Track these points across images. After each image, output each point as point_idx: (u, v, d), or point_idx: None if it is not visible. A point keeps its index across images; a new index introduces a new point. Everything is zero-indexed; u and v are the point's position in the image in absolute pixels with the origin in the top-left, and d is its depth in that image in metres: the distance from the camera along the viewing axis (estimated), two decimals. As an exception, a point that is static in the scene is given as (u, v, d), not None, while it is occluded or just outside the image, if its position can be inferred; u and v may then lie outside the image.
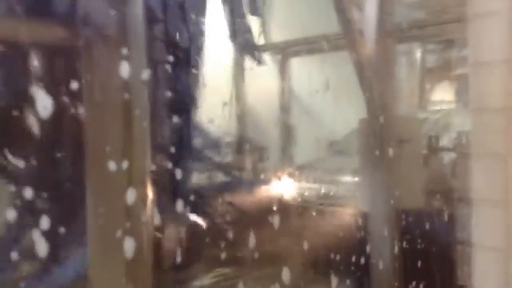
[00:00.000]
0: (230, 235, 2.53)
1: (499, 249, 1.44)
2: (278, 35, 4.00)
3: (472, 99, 1.54)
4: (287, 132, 4.07)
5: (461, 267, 2.22)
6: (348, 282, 2.49)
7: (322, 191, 3.25)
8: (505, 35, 1.44)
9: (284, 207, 3.11)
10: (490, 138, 1.46)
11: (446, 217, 2.54)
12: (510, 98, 1.48)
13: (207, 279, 2.67)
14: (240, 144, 3.97)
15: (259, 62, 3.73)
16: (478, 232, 1.56)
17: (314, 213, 3.04)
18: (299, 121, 4.05)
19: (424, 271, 2.40)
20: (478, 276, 1.55)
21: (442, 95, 3.62)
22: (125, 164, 1.19)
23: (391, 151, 2.71)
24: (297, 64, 3.99)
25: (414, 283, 2.43)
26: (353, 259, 2.56)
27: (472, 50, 1.54)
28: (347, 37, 2.90)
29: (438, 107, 3.51)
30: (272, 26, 4.00)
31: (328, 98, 3.71)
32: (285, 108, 4.07)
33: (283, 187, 3.38)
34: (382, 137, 2.69)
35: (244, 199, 3.04)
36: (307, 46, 3.77)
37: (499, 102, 1.47)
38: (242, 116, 4.06)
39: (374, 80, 2.76)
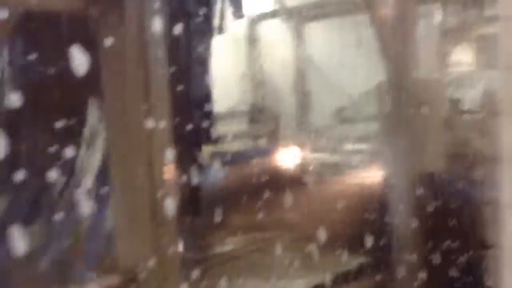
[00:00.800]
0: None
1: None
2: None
3: (502, 57, 1.51)
4: (304, 100, 4.04)
5: (489, 227, 2.21)
6: (376, 242, 2.50)
7: (339, 158, 3.25)
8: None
9: (304, 173, 3.12)
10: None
11: (472, 179, 2.53)
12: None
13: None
14: (254, 113, 3.96)
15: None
16: (507, 191, 1.55)
17: (336, 179, 3.04)
18: (316, 88, 4.01)
19: (452, 232, 2.40)
20: (507, 235, 1.55)
21: (462, 56, 3.56)
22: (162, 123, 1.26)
23: (412, 114, 2.68)
24: (312, 29, 3.93)
25: (441, 244, 2.44)
26: (379, 220, 2.58)
27: (502, 6, 1.50)
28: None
29: (458, 69, 3.46)
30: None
31: (346, 62, 3.66)
32: (300, 75, 4.03)
33: (300, 154, 3.38)
34: (403, 100, 2.66)
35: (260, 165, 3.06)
36: (322, 9, 3.71)
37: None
38: (257, 85, 4.04)
39: (394, 41, 2.72)
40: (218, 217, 2.14)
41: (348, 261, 2.55)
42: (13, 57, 1.67)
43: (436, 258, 2.50)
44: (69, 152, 1.63)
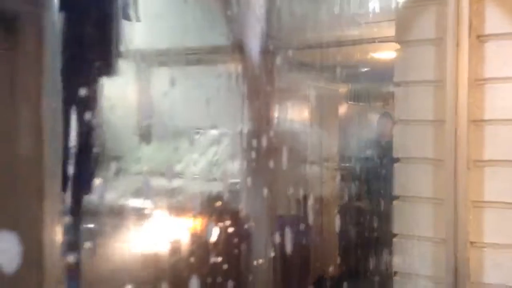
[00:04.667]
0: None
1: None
2: (143, 42, 3.96)
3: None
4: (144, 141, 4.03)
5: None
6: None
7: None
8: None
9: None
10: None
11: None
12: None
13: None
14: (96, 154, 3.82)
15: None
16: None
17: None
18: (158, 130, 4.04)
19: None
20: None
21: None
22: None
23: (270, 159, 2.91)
24: (160, 74, 3.99)
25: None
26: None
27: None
28: (226, 50, 3.04)
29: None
30: (137, 32, 3.95)
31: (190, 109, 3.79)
32: (141, 118, 4.03)
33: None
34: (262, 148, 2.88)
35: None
36: (173, 56, 3.81)
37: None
38: (100, 126, 3.91)
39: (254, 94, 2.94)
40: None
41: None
42: None
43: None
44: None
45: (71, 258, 1.24)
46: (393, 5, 1.87)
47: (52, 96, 1.10)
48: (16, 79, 1.07)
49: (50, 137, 1.15)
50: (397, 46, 1.88)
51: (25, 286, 0.95)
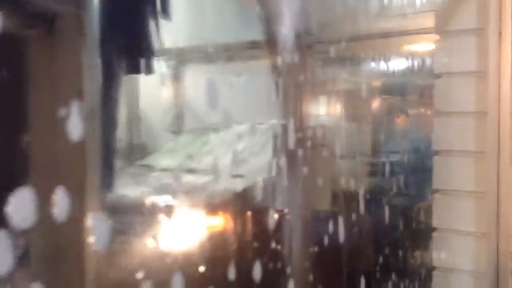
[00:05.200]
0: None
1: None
2: (174, 41, 3.99)
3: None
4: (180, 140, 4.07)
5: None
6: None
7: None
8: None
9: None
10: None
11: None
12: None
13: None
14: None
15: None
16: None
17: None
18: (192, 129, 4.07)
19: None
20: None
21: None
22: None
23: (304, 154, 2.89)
24: (193, 72, 4.02)
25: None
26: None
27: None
28: (260, 46, 3.04)
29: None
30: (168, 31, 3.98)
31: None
32: (176, 116, 4.07)
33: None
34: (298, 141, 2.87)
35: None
36: (205, 53, 3.83)
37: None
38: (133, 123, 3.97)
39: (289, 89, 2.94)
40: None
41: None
42: None
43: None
44: None
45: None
46: (433, -4, 1.84)
47: (90, 94, 1.12)
48: (57, 77, 1.09)
49: (89, 135, 1.17)
50: (435, 37, 1.85)
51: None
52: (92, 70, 1.16)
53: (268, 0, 2.14)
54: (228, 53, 3.61)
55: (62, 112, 0.74)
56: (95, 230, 0.75)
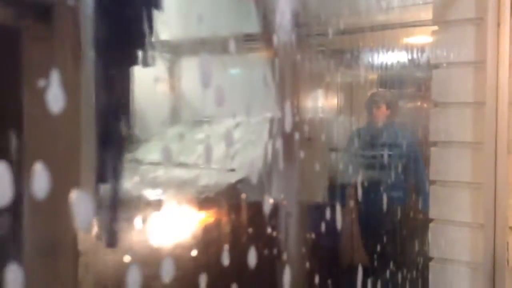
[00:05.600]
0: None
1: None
2: (168, 32, 3.97)
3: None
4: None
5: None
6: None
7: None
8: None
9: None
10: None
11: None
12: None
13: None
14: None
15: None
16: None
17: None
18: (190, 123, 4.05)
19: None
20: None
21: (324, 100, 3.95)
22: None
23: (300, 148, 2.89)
24: (188, 64, 3.99)
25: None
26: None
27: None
28: (256, 38, 3.02)
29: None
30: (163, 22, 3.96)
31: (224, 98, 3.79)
32: (173, 109, 4.05)
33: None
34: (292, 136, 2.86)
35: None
36: (200, 46, 3.81)
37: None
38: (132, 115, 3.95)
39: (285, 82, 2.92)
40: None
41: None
42: None
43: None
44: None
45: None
46: (431, -15, 1.84)
47: (86, 85, 1.11)
48: (53, 68, 1.07)
49: (85, 125, 1.15)
50: (431, 29, 1.84)
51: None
52: (85, 61, 1.14)
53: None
54: (223, 45, 3.58)
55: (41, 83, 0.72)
56: (77, 208, 0.73)
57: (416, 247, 2.29)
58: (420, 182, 2.65)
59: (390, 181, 2.49)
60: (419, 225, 2.29)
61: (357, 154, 2.76)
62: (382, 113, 2.94)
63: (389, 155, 2.56)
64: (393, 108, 2.97)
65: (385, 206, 2.21)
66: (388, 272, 2.18)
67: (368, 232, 2.58)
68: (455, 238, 1.81)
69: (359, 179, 2.17)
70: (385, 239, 2.42)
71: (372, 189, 2.25)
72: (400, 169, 2.61)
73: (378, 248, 2.26)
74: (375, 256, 2.18)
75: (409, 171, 2.69)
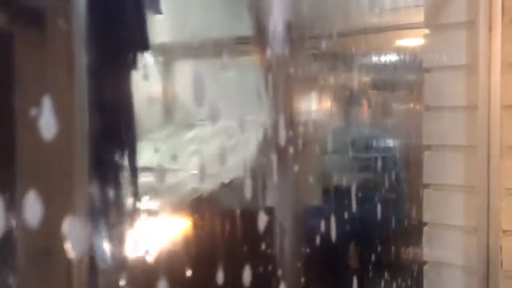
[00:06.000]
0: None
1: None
2: (161, 35, 3.96)
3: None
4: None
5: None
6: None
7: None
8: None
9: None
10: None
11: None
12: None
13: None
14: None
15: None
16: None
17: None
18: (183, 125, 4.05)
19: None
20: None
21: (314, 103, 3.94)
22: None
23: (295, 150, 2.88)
24: (182, 67, 3.99)
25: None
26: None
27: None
28: (249, 41, 3.02)
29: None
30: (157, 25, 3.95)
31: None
32: (166, 112, 4.04)
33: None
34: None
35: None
36: (195, 49, 3.81)
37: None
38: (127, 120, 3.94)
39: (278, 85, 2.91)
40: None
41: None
42: None
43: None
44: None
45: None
46: (422, -11, 1.84)
47: (80, 90, 1.10)
48: (46, 74, 1.06)
49: (79, 130, 1.14)
50: (423, 32, 1.84)
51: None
52: (77, 66, 1.13)
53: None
54: (216, 47, 3.57)
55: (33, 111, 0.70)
56: (71, 235, 0.72)
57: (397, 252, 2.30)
58: (398, 182, 2.64)
59: (366, 183, 2.48)
60: (409, 229, 2.29)
61: (336, 155, 2.74)
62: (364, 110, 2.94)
63: (366, 157, 2.56)
64: (372, 106, 2.95)
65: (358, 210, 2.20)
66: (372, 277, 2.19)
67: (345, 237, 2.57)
68: (448, 242, 1.81)
69: (337, 181, 2.17)
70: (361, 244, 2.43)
71: (347, 192, 2.25)
72: (377, 170, 2.60)
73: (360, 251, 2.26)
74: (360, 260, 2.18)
75: (387, 172, 2.68)
